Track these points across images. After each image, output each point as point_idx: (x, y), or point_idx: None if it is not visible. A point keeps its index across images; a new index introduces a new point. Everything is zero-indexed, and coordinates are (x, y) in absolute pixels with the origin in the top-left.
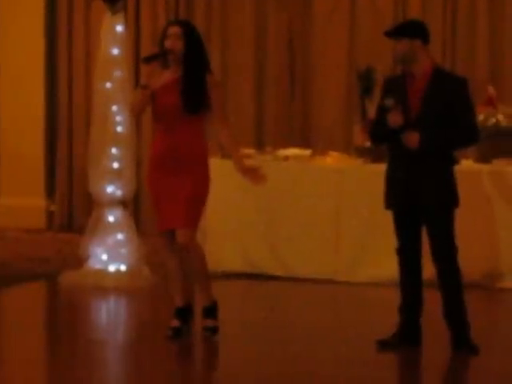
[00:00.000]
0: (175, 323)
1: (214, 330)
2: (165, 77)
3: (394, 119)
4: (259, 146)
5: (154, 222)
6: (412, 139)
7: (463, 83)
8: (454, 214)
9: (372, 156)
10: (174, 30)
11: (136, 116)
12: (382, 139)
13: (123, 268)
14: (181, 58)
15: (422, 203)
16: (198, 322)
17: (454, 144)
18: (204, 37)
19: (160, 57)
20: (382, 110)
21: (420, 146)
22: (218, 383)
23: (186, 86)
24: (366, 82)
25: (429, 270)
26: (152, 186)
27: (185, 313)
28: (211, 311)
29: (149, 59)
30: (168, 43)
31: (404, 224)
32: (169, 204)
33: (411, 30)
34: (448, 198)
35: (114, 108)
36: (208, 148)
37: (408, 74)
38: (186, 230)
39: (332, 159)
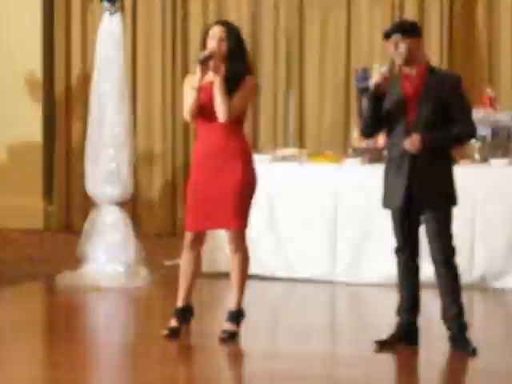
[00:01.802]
0: (173, 323)
1: (233, 335)
2: (208, 78)
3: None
4: (256, 146)
5: (151, 222)
6: (414, 143)
7: (457, 80)
8: (452, 214)
9: (368, 156)
10: (219, 30)
11: (192, 119)
12: (369, 125)
13: (120, 268)
14: (224, 59)
15: (420, 203)
16: (194, 322)
17: (453, 141)
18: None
19: (212, 58)
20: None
21: (422, 148)
22: (215, 382)
23: (226, 88)
24: (363, 82)
25: (427, 270)
26: (194, 186)
27: (184, 313)
28: (235, 316)
29: (205, 60)
30: (213, 44)
31: (402, 224)
32: (211, 204)
33: (416, 30)
34: (446, 197)
35: (111, 108)
36: (249, 146)
37: (404, 74)
38: (238, 230)
39: (328, 159)
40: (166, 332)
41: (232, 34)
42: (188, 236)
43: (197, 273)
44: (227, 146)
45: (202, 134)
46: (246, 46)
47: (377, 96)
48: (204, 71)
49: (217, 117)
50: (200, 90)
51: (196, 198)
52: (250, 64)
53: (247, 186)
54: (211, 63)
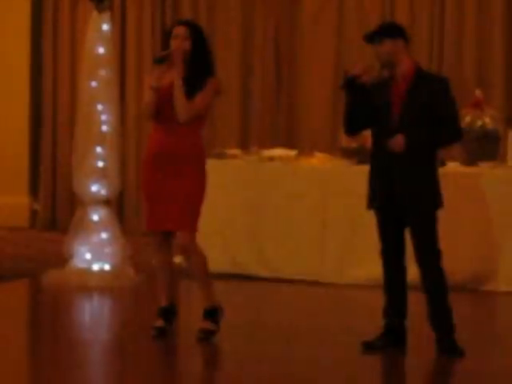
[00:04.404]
0: (159, 323)
1: (210, 334)
2: (169, 77)
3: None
4: (244, 146)
5: (139, 221)
6: (397, 143)
7: (445, 82)
8: (436, 216)
9: (357, 157)
10: (181, 30)
11: (149, 118)
12: (350, 122)
13: (107, 267)
14: (186, 58)
15: (404, 205)
16: (182, 322)
17: (438, 143)
18: None
19: (170, 58)
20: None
21: (406, 149)
22: (199, 382)
23: (187, 88)
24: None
25: (413, 271)
26: (146, 185)
27: (168, 312)
28: (210, 314)
29: (160, 60)
30: (176, 43)
31: (387, 225)
32: (164, 204)
33: (393, 31)
34: (431, 199)
35: (99, 107)
36: (205, 149)
37: (391, 76)
38: (187, 232)
39: (317, 160)
40: (153, 332)
41: (195, 33)
42: (155, 235)
43: (173, 271)
44: (182, 147)
45: (158, 134)
46: (210, 46)
47: (356, 89)
48: (161, 71)
49: (175, 117)
50: (159, 90)
51: (151, 197)
52: (212, 65)
53: (199, 190)
54: (173, 63)
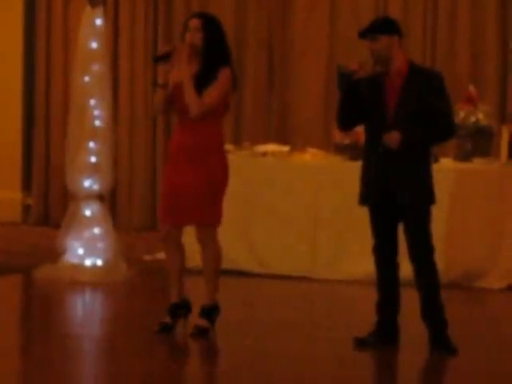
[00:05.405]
0: (166, 319)
1: (204, 332)
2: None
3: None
4: (237, 141)
5: (131, 216)
6: (393, 139)
7: (438, 77)
8: (430, 212)
9: (350, 153)
10: (194, 22)
11: (159, 115)
12: (344, 117)
13: (99, 262)
14: (199, 51)
15: (397, 201)
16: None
17: (432, 139)
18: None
19: (169, 55)
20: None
21: (401, 145)
22: (191, 378)
23: (199, 82)
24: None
25: (406, 268)
26: (164, 181)
27: (177, 309)
28: (207, 312)
29: (158, 59)
30: (188, 36)
31: (380, 222)
32: (182, 200)
33: (389, 27)
34: (425, 195)
35: (92, 102)
36: (223, 142)
37: (385, 72)
38: (203, 226)
39: (310, 156)
40: (157, 327)
41: (209, 25)
42: (168, 230)
43: (182, 266)
44: (198, 141)
45: (176, 130)
46: (225, 37)
47: (352, 85)
48: (166, 68)
49: (188, 113)
50: (167, 86)
51: (167, 192)
52: (227, 55)
53: (215, 183)
54: (178, 59)
